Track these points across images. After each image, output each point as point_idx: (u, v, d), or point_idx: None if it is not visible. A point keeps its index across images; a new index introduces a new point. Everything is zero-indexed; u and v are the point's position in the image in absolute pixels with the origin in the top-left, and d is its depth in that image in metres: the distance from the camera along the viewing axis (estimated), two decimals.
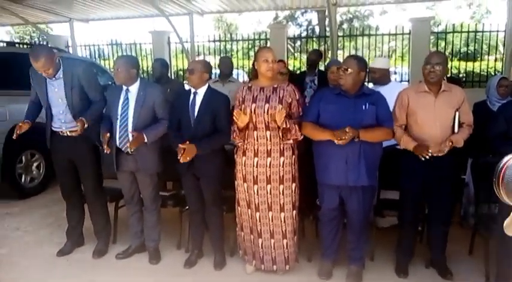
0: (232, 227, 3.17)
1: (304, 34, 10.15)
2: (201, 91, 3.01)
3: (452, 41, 9.57)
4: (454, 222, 3.55)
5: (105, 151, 3.01)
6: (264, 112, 2.79)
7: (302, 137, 2.81)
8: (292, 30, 12.60)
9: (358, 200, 2.80)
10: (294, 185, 2.88)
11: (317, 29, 17.05)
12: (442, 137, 2.79)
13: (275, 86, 2.87)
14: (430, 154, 2.73)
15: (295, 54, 11.07)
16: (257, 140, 2.85)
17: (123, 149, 3.04)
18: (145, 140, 2.98)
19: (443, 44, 10.23)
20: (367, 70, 2.92)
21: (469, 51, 8.87)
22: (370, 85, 3.87)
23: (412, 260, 3.09)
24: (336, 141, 2.60)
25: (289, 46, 10.62)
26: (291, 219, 2.89)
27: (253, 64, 3.00)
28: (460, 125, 2.86)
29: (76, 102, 3.12)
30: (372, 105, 2.75)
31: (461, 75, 8.86)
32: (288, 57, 9.22)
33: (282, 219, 2.87)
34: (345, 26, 18.62)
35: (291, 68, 8.87)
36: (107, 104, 3.20)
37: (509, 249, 2.63)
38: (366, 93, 2.82)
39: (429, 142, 2.79)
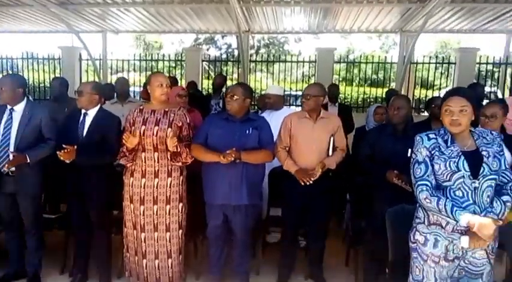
0: (121, 248, 3.16)
1: (224, 56, 10.50)
2: (92, 112, 3.02)
3: (366, 69, 10.42)
4: (339, 237, 3.89)
5: None
6: (153, 134, 2.87)
7: (192, 160, 2.92)
8: (213, 52, 12.92)
9: (241, 218, 2.96)
10: (181, 204, 2.97)
11: (236, 52, 17.60)
12: (318, 159, 3.07)
13: (166, 109, 2.97)
14: (310, 181, 2.98)
15: (213, 75, 11.31)
16: (145, 162, 2.91)
17: (2, 170, 2.93)
18: (28, 160, 2.90)
19: (356, 70, 11.12)
20: (253, 97, 3.15)
21: (378, 79, 9.75)
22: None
23: (293, 272, 3.31)
24: (221, 160, 2.74)
25: (207, 67, 10.84)
26: (176, 238, 2.96)
27: (144, 87, 3.08)
28: (334, 149, 3.18)
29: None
30: (255, 129, 2.96)
31: (371, 100, 9.59)
32: (203, 78, 9.40)
33: (168, 239, 2.94)
34: (262, 50, 19.43)
35: (205, 86, 9.09)
36: None
37: (373, 260, 2.96)
38: (251, 118, 3.03)
39: (307, 163, 3.05)
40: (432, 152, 2.05)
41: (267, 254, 3.50)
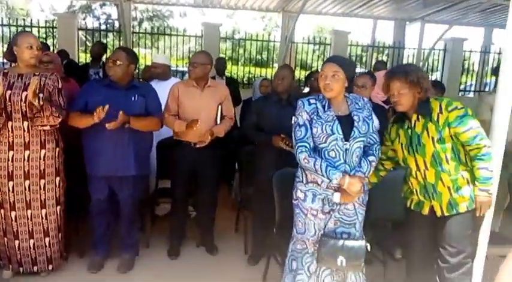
0: None
1: (103, 27, 9.66)
2: None
3: (250, 49, 10.58)
4: (228, 205, 3.98)
5: None
6: (21, 100, 2.54)
7: (59, 120, 2.59)
8: (91, 23, 11.78)
9: (128, 190, 2.83)
10: (58, 179, 2.71)
11: (117, 24, 16.46)
12: (206, 127, 3.05)
13: (36, 73, 2.64)
14: (202, 143, 2.98)
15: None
16: (12, 132, 2.57)
17: None
18: None
19: (241, 50, 11.25)
20: (138, 63, 3.00)
21: (262, 59, 10.02)
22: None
23: (184, 241, 3.32)
24: (107, 125, 2.57)
25: (84, 38, 9.93)
26: (54, 215, 2.71)
27: (9, 48, 2.69)
28: (223, 117, 3.20)
29: None
30: (141, 96, 2.83)
31: (256, 78, 9.81)
32: (79, 51, 8.59)
33: (43, 216, 2.67)
34: (145, 24, 18.51)
35: (82, 60, 8.32)
36: None
37: (261, 223, 3.09)
38: (137, 85, 2.88)
39: (195, 132, 3.00)
40: (311, 116, 2.21)
41: (157, 226, 3.43)
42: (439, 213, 2.24)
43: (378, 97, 3.69)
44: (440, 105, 2.19)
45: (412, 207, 2.35)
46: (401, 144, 2.28)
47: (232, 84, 5.13)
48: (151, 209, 3.42)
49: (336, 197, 2.19)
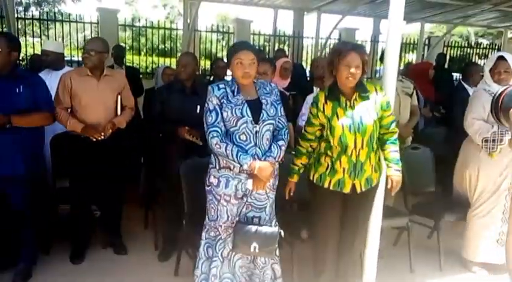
0: None
1: None
2: None
3: (152, 38, 10.12)
4: (136, 201, 3.79)
5: None
6: None
7: None
8: None
9: (20, 191, 2.56)
10: None
11: None
12: (106, 119, 2.87)
13: None
14: (102, 136, 2.78)
15: None
16: None
17: None
18: None
19: (143, 39, 10.73)
20: (20, 50, 2.68)
21: (166, 49, 9.64)
22: None
23: (90, 244, 3.10)
24: None
25: None
26: None
27: None
28: (123, 108, 3.03)
29: None
30: (27, 88, 2.54)
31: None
32: None
33: None
34: (33, 9, 16.81)
35: None
36: None
37: (170, 218, 3.00)
38: (21, 74, 2.59)
39: (93, 124, 2.82)
40: (221, 101, 2.20)
41: (58, 230, 3.14)
42: (359, 190, 2.38)
43: (279, 84, 3.79)
44: (375, 88, 2.35)
45: (331, 188, 2.39)
46: (342, 122, 2.29)
47: (133, 73, 4.87)
48: (52, 211, 3.11)
49: (249, 184, 2.22)
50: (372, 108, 2.32)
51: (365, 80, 2.42)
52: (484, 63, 2.98)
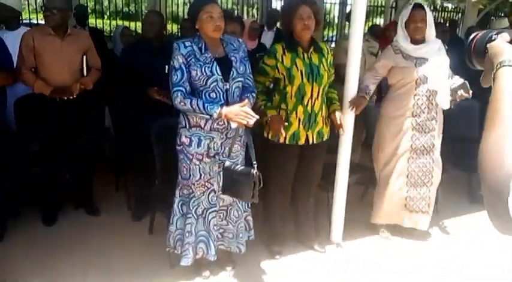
0: None
1: None
2: None
3: (116, 1, 9.71)
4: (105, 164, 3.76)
5: None
6: None
7: None
8: None
9: None
10: None
11: None
12: (71, 80, 2.81)
13: None
14: (71, 97, 2.73)
15: None
16: None
17: None
18: None
19: (106, 2, 10.29)
20: None
21: (131, 11, 9.27)
22: None
23: (61, 206, 3.10)
24: None
25: None
26: None
27: None
28: (89, 68, 2.96)
29: None
30: None
31: None
32: None
33: None
34: None
35: None
36: None
37: (143, 180, 3.02)
38: None
39: (60, 85, 2.75)
40: (188, 59, 2.16)
41: (29, 192, 3.11)
42: (311, 142, 2.54)
43: (248, 45, 3.76)
44: (326, 47, 2.60)
45: (287, 142, 2.51)
46: (301, 71, 2.42)
47: (97, 35, 4.68)
48: (19, 174, 3.06)
49: (233, 124, 2.17)
50: (326, 62, 2.51)
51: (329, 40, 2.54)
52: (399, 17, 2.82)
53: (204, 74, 2.16)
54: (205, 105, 2.12)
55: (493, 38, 0.85)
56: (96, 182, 3.24)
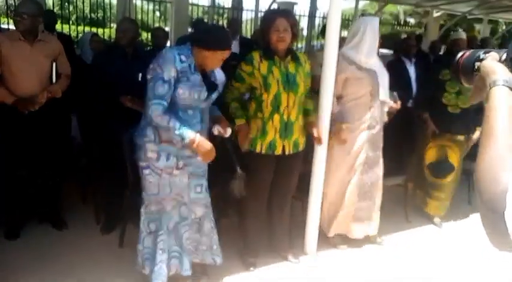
0: None
1: None
2: None
3: (83, 6, 9.48)
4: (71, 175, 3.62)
5: None
6: None
7: None
8: None
9: None
10: None
11: None
12: (40, 87, 2.71)
13: None
14: (35, 107, 2.61)
15: None
16: None
17: None
18: None
19: (71, 7, 10.03)
20: None
21: (98, 18, 9.09)
22: None
23: (25, 220, 2.95)
24: None
25: None
26: None
27: None
28: (58, 75, 2.86)
29: None
30: None
31: None
32: None
33: None
34: None
35: None
36: None
37: (113, 192, 2.93)
38: None
39: (27, 92, 2.65)
40: (180, 76, 2.09)
41: None
42: (287, 152, 2.54)
43: None
44: (303, 56, 2.60)
45: (263, 151, 2.51)
46: (277, 80, 2.42)
47: (65, 40, 4.53)
48: None
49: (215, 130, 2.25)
50: (302, 71, 2.52)
51: (298, 51, 2.58)
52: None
53: (192, 96, 2.13)
54: (181, 128, 2.06)
55: (481, 57, 0.88)
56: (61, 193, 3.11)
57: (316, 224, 2.91)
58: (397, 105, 2.99)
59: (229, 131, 2.30)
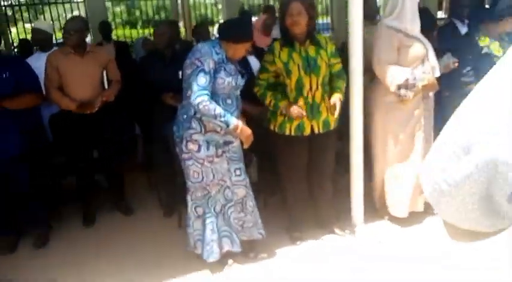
0: None
1: None
2: None
3: (147, 10, 10.00)
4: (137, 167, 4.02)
5: None
6: None
7: None
8: None
9: (16, 171, 2.78)
10: None
11: None
12: (93, 93, 3.04)
13: None
14: (94, 110, 2.97)
15: None
16: None
17: None
18: None
19: (138, 13, 10.66)
20: None
21: (161, 19, 9.52)
22: None
23: (98, 210, 3.37)
24: None
25: None
26: None
27: None
28: (110, 81, 3.20)
29: None
30: (12, 72, 2.72)
31: None
32: None
33: None
34: None
35: None
36: None
37: (169, 181, 3.18)
38: (4, 60, 2.80)
39: (83, 99, 2.99)
40: (217, 66, 2.28)
41: (67, 201, 3.43)
42: (316, 131, 2.60)
43: (261, 41, 3.82)
44: (325, 39, 2.62)
45: (292, 133, 2.60)
46: (298, 65, 2.49)
47: (122, 48, 4.96)
48: (55, 183, 3.39)
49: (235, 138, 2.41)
50: (324, 53, 2.54)
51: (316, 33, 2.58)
52: None
53: (230, 85, 2.32)
54: (226, 115, 2.25)
55: None
56: (130, 182, 3.49)
57: (361, 196, 2.88)
58: (455, 65, 2.86)
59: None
